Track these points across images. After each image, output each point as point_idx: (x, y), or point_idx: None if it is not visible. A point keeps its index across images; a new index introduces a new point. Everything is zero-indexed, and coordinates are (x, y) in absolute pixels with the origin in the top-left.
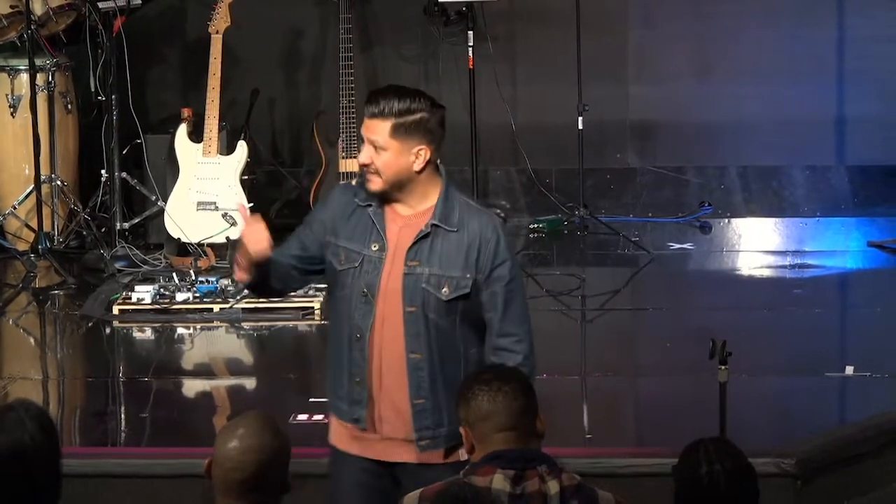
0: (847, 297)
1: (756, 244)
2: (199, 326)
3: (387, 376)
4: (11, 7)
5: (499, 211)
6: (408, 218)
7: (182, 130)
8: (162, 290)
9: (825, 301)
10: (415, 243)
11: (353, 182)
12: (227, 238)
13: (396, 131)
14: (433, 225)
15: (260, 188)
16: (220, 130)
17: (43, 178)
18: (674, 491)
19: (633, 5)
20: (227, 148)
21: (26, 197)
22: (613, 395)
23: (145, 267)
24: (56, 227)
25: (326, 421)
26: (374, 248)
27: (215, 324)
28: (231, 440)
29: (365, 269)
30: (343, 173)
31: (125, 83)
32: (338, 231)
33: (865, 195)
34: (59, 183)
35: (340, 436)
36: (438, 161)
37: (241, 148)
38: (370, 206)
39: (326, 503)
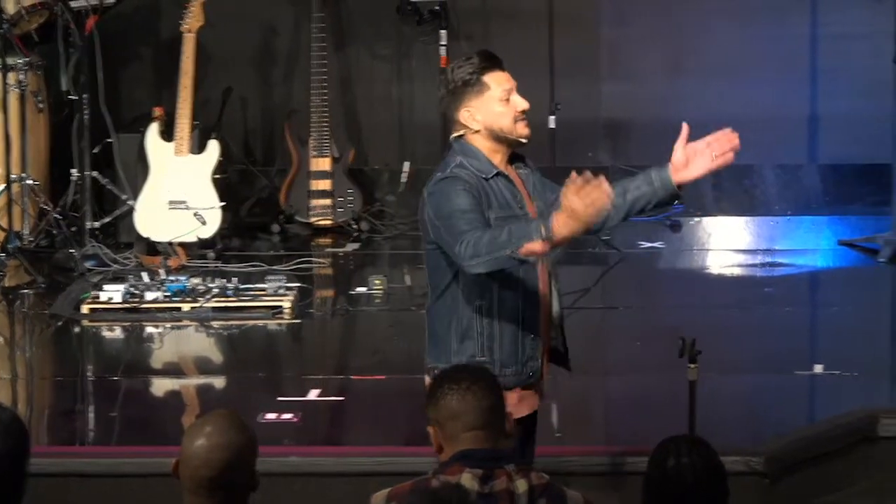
0: (817, 295)
1: (727, 243)
2: (168, 325)
3: (544, 322)
4: None
5: None
6: (510, 169)
7: (154, 129)
8: (132, 289)
9: (795, 300)
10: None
11: (451, 171)
12: (198, 237)
13: None
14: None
15: (232, 187)
16: (192, 129)
17: (13, 177)
18: (642, 486)
19: (605, 3)
20: (199, 147)
21: None
22: (583, 393)
23: (115, 266)
24: (26, 226)
25: (295, 420)
26: (520, 210)
27: (185, 323)
28: (198, 438)
29: None
30: (314, 172)
31: (97, 82)
32: (490, 204)
33: (837, 194)
34: (29, 182)
35: None
36: None
37: (213, 147)
38: (498, 173)
39: (294, 501)
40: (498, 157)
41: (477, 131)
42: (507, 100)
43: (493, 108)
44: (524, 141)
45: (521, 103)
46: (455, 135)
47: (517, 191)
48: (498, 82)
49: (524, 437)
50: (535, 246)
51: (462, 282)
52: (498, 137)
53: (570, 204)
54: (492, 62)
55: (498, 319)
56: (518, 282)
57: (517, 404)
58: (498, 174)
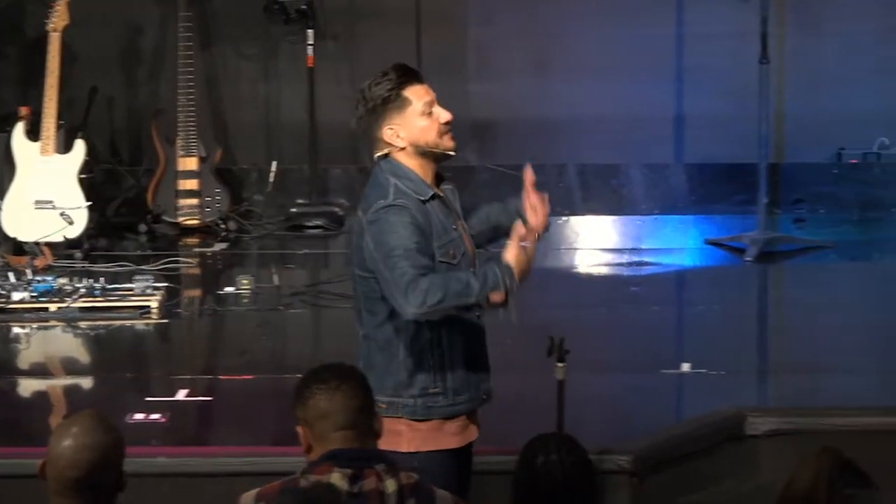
0: (684, 294)
1: (594, 242)
2: (35, 326)
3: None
4: None
5: (337, 209)
6: (437, 188)
7: (19, 129)
8: None
9: (662, 299)
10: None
11: (394, 198)
12: (65, 237)
13: None
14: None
15: (98, 186)
16: (58, 129)
17: None
18: (511, 485)
19: (473, 2)
20: (65, 146)
21: None
22: None
23: None
24: None
25: (163, 420)
26: (454, 231)
27: (52, 323)
28: (65, 439)
29: (463, 250)
30: (181, 171)
31: None
32: (431, 234)
33: (703, 193)
34: None
35: (440, 437)
36: None
37: (80, 146)
38: (434, 194)
39: (162, 502)
40: (428, 175)
41: (402, 149)
42: (430, 113)
43: (417, 123)
44: (452, 153)
45: (444, 115)
46: (379, 154)
47: (449, 212)
48: (418, 96)
49: (465, 470)
50: (498, 297)
51: None
52: (424, 153)
53: (526, 256)
54: (410, 76)
55: (449, 348)
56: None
57: (463, 432)
58: (433, 196)
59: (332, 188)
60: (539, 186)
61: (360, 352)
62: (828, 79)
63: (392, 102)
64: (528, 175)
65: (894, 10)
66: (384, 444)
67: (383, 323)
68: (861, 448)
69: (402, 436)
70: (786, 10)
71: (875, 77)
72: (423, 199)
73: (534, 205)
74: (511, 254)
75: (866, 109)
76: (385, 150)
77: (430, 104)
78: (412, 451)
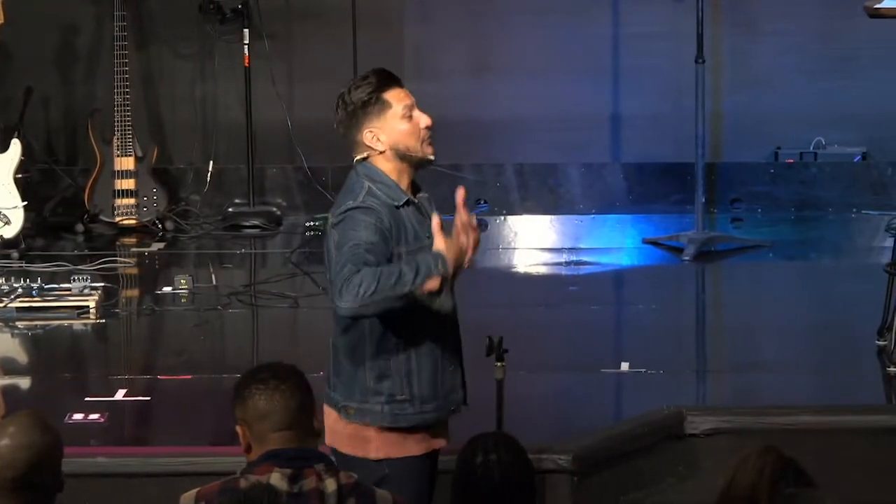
0: (622, 293)
1: (532, 242)
2: None
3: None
4: None
5: (274, 209)
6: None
7: None
8: None
9: (601, 298)
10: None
11: (363, 200)
12: (1, 236)
13: None
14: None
15: (34, 186)
16: None
17: None
18: (451, 484)
19: (410, 3)
20: (1, 146)
21: None
22: None
23: None
24: None
25: (102, 420)
26: (427, 240)
27: None
28: (2, 438)
29: None
30: (118, 171)
31: None
32: (401, 238)
33: (640, 192)
34: None
35: (407, 444)
36: None
37: (15, 146)
38: (408, 200)
39: (101, 502)
40: (405, 180)
41: (381, 152)
42: (410, 117)
43: (397, 127)
44: (431, 158)
45: (425, 119)
46: (358, 157)
47: (424, 219)
48: (398, 99)
49: (432, 476)
50: (435, 283)
51: (372, 318)
52: (403, 157)
53: (462, 244)
54: (390, 80)
55: (416, 355)
56: (435, 313)
57: (430, 440)
58: (407, 202)
59: (269, 188)
60: (477, 186)
61: (330, 358)
62: (764, 78)
63: (372, 106)
64: (460, 194)
65: (829, 9)
66: (353, 450)
67: (348, 328)
68: (800, 446)
69: (371, 442)
70: (721, 10)
71: (811, 77)
72: (396, 204)
73: (465, 224)
74: (440, 243)
75: (803, 109)
76: (364, 154)
77: (410, 108)
78: (381, 457)
